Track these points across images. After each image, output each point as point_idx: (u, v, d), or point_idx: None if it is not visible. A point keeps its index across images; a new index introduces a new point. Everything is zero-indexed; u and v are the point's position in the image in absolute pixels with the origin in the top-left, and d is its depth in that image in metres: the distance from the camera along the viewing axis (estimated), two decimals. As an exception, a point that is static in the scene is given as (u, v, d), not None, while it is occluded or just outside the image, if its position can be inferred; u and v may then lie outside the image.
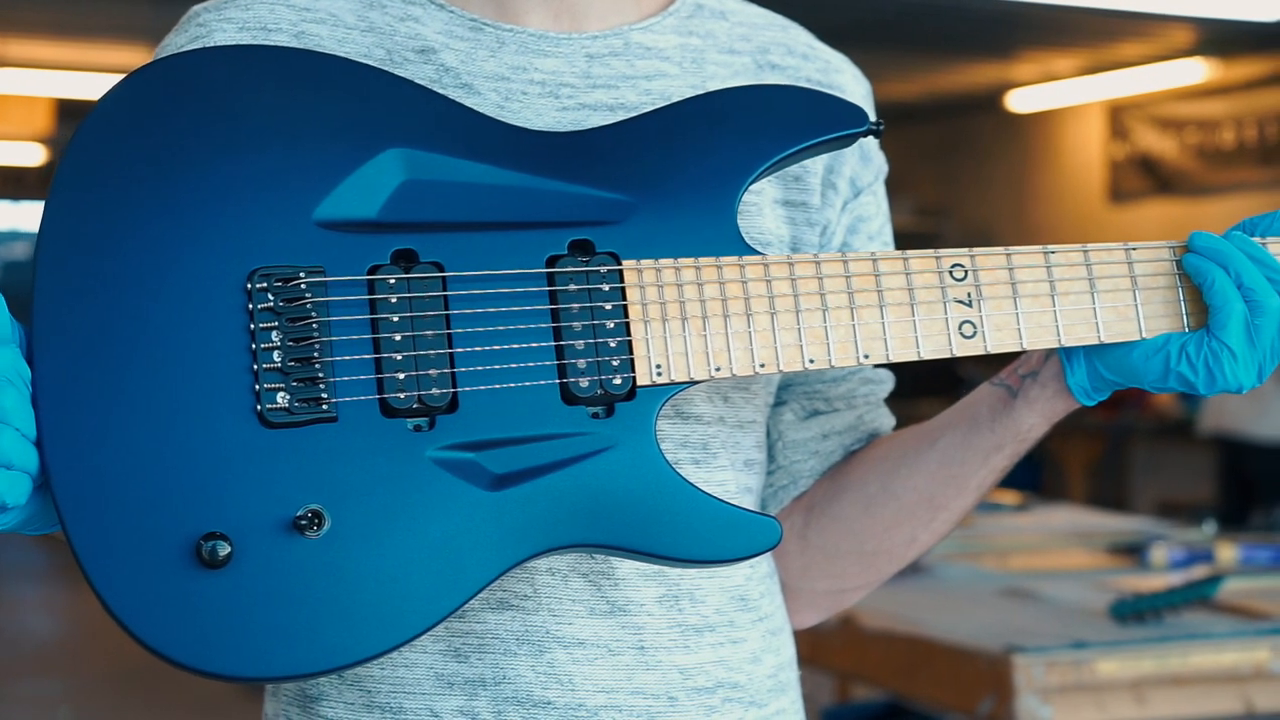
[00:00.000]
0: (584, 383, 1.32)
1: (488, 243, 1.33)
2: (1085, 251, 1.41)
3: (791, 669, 1.58)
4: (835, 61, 1.63)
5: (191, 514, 1.24)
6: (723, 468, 1.50)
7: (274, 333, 1.27)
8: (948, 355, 1.38)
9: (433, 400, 1.29)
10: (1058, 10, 9.22)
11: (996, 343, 1.38)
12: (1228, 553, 4.34)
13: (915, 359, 1.37)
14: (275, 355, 1.27)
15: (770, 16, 1.64)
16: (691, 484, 1.33)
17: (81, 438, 1.24)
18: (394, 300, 1.30)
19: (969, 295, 1.38)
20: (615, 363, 1.32)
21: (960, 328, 1.38)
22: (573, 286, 1.33)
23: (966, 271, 1.39)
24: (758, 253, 1.36)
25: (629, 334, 1.33)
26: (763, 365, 1.34)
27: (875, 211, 1.62)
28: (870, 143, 1.60)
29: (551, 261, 1.33)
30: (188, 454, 1.25)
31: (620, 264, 1.34)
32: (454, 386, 1.29)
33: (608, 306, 1.33)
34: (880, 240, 1.62)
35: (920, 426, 1.56)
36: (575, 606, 1.44)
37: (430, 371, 1.29)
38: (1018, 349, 1.39)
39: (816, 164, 1.56)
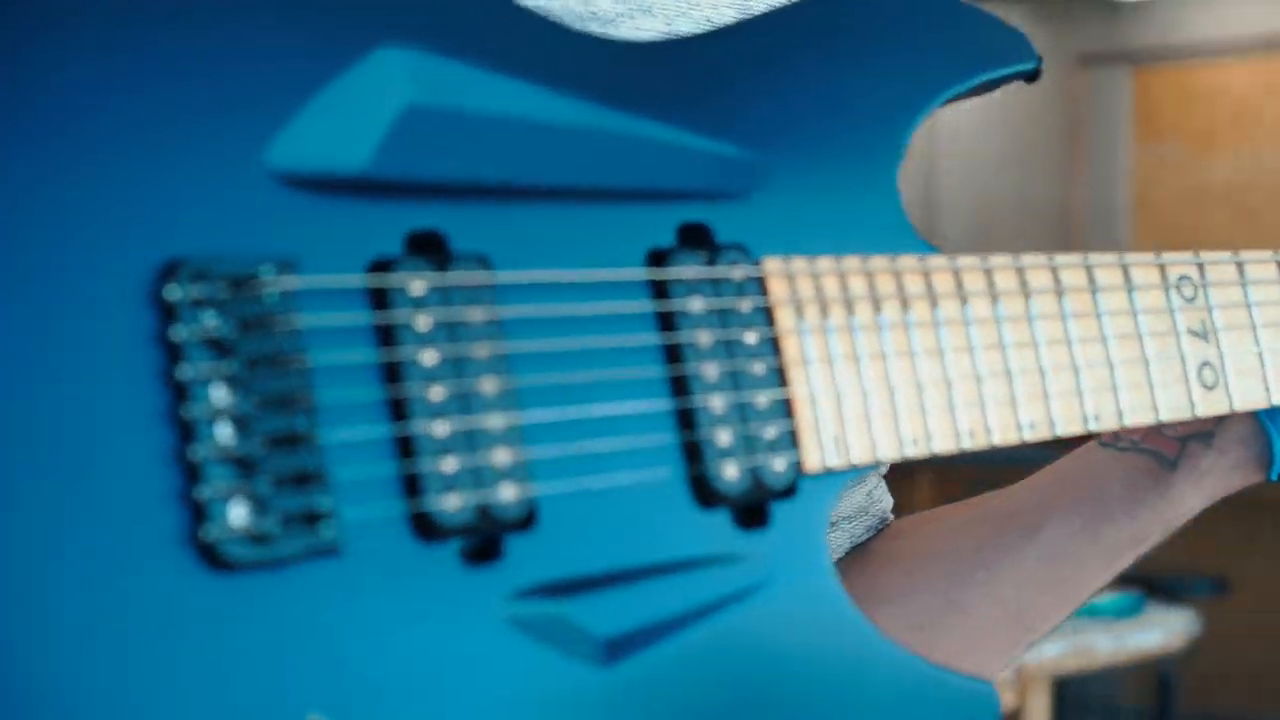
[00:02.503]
0: (730, 471, 0.76)
1: (551, 223, 0.75)
2: (1316, 259, 0.96)
3: None
4: None
5: (90, 754, 0.61)
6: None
7: (217, 387, 0.65)
8: (1187, 416, 0.90)
9: (503, 510, 0.70)
10: None
11: (1242, 396, 0.91)
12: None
13: (1152, 423, 0.88)
14: (224, 431, 0.65)
15: None
16: (886, 636, 0.80)
17: None
18: (422, 325, 0.70)
19: (1202, 324, 0.91)
20: (769, 434, 0.77)
21: (1200, 373, 0.90)
22: (697, 304, 0.77)
23: (1196, 289, 0.91)
24: (934, 248, 0.85)
25: (783, 384, 0.78)
26: (971, 434, 0.82)
27: None
28: None
29: (657, 259, 0.77)
30: (70, 630, 0.62)
31: (761, 265, 0.79)
32: (530, 481, 0.71)
33: (750, 338, 0.78)
34: None
35: (987, 508, 1.07)
36: None
37: (495, 456, 0.70)
38: (1263, 404, 0.93)
39: None
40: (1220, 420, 1.00)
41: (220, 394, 0.65)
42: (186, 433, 0.65)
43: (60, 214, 0.64)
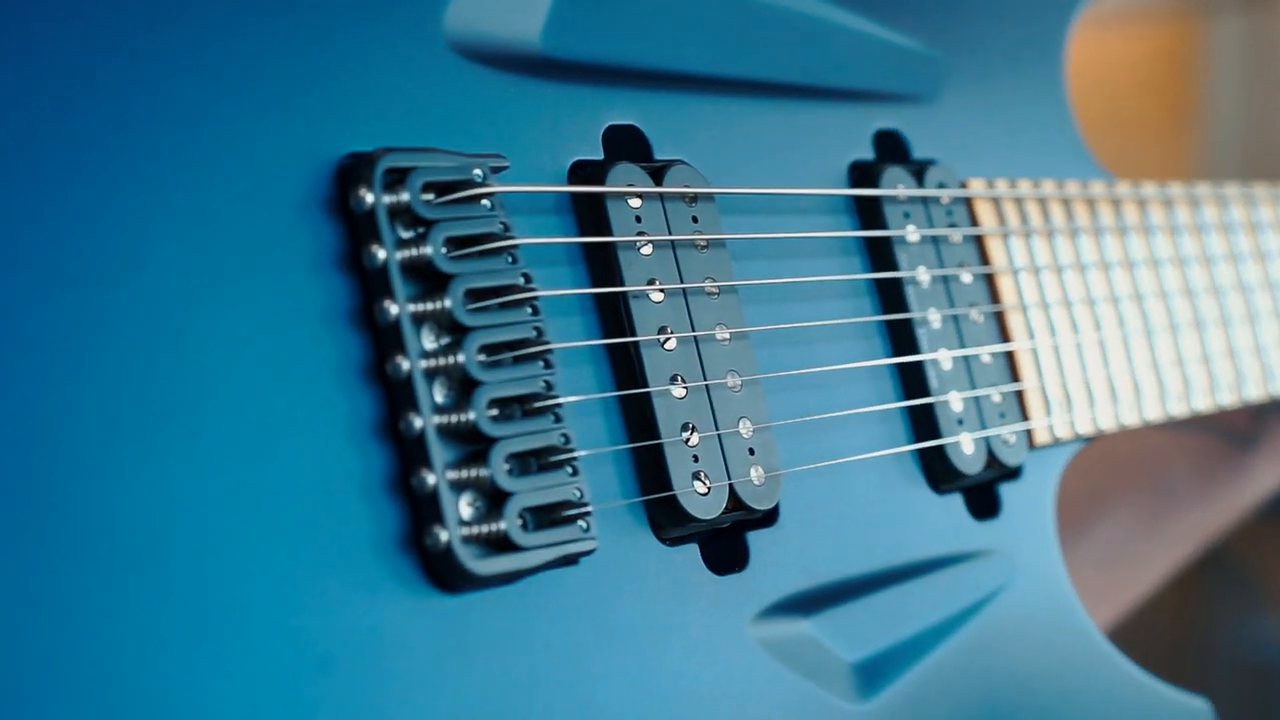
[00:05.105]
0: (967, 445, 0.60)
1: (746, 124, 0.58)
2: None
3: None
4: None
5: None
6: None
7: (430, 332, 0.46)
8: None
9: (753, 497, 0.52)
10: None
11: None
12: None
13: (1314, 387, 0.76)
14: (441, 393, 0.46)
15: None
16: (1108, 641, 0.65)
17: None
18: (644, 250, 0.52)
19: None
20: (996, 398, 0.61)
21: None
22: (912, 231, 0.60)
23: (1331, 229, 0.80)
24: (1106, 172, 0.70)
25: (1004, 336, 0.62)
26: (1177, 399, 0.68)
27: None
28: None
29: (866, 176, 0.60)
30: (249, 665, 0.42)
31: (966, 187, 0.63)
32: (772, 460, 0.54)
33: (965, 277, 0.62)
34: None
35: None
36: None
37: (741, 427, 0.53)
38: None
39: None
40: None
41: (433, 342, 0.46)
42: (397, 395, 0.45)
43: (202, 99, 0.45)
